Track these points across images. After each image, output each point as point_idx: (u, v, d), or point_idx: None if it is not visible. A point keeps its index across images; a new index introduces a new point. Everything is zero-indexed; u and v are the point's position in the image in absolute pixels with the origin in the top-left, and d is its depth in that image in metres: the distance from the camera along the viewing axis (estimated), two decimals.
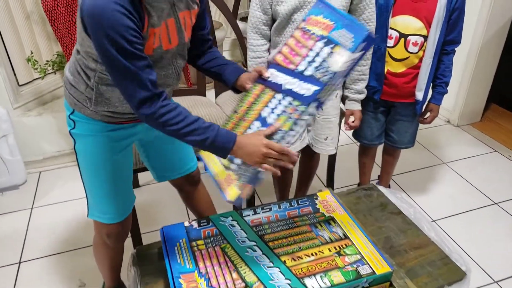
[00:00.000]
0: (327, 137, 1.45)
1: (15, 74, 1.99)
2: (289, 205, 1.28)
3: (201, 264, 1.05)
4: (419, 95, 1.44)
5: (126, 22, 0.79)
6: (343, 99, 1.48)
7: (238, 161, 1.02)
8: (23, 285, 1.45)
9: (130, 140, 1.10)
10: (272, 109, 1.05)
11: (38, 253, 1.59)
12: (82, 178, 1.09)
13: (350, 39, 0.93)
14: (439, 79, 1.47)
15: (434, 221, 1.73)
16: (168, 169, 1.25)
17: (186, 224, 1.19)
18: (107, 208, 1.11)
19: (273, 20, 1.30)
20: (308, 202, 1.29)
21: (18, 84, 2.00)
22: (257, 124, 1.05)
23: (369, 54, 1.39)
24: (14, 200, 1.88)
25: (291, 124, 0.99)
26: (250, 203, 1.69)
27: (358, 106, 1.45)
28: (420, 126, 1.64)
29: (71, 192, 1.91)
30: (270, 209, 1.26)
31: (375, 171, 1.84)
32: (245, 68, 1.18)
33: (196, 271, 1.03)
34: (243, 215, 1.23)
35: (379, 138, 1.61)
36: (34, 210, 1.82)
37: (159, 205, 1.80)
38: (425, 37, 1.36)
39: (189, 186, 1.31)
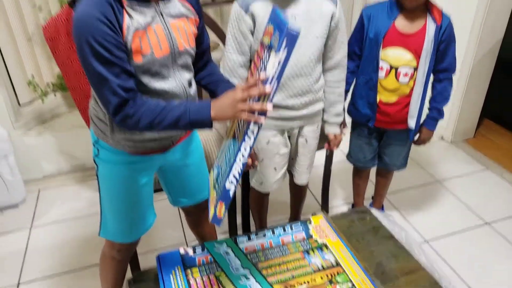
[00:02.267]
0: (307, 167, 1.49)
1: (16, 94, 2.03)
2: (283, 231, 1.31)
3: None
4: (411, 123, 1.48)
5: (104, 29, 0.83)
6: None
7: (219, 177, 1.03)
8: None
9: (151, 171, 1.13)
10: None
11: (37, 274, 1.61)
12: (100, 201, 1.13)
13: (277, 39, 0.85)
14: (431, 104, 1.51)
15: (426, 241, 1.76)
16: (184, 196, 1.28)
17: (182, 251, 1.22)
18: (123, 229, 1.15)
19: (250, 61, 1.30)
20: (301, 228, 1.33)
21: (18, 104, 2.04)
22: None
23: (343, 75, 1.38)
24: (13, 219, 1.91)
25: None
26: (247, 228, 1.72)
27: (337, 130, 1.46)
28: None
29: (70, 211, 1.94)
30: (264, 235, 1.29)
31: (369, 190, 1.87)
32: None
33: None
34: (238, 242, 1.26)
35: (372, 161, 1.65)
36: (33, 230, 1.84)
37: (156, 223, 1.83)
38: (415, 68, 1.40)
39: (198, 212, 1.35)
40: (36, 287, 1.57)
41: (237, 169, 0.92)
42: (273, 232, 1.30)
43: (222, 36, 1.71)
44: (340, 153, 2.26)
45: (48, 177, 2.11)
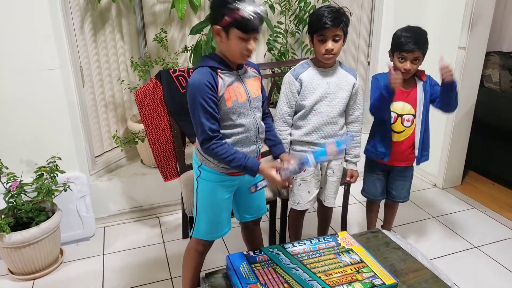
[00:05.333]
0: (334, 193, 1.95)
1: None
2: (318, 241, 1.74)
3: (260, 278, 1.48)
4: (416, 152, 1.96)
5: (209, 91, 1.34)
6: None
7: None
8: None
9: (232, 189, 1.61)
10: None
11: (116, 287, 1.99)
12: (196, 210, 1.58)
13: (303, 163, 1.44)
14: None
15: (426, 259, 2.17)
16: (248, 213, 1.73)
17: (245, 253, 1.64)
18: (210, 230, 1.60)
19: (296, 111, 1.82)
20: (331, 239, 1.76)
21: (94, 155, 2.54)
22: None
23: (359, 127, 1.88)
24: (87, 248, 2.30)
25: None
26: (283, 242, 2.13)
27: (355, 167, 1.96)
28: (413, 188, 2.14)
29: (134, 243, 2.33)
30: (304, 243, 1.71)
31: (378, 222, 2.31)
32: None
33: (258, 283, 1.46)
34: (285, 247, 1.70)
35: (382, 194, 2.11)
36: (105, 256, 2.24)
37: None
38: (414, 115, 1.92)
39: (253, 225, 1.79)
40: None
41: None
42: (311, 242, 1.73)
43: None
44: (352, 197, 2.72)
45: (112, 216, 2.54)
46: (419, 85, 1.92)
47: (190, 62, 2.49)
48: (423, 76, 1.93)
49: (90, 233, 2.40)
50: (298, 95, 1.77)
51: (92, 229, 2.40)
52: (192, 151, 2.79)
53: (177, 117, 2.03)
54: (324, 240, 1.75)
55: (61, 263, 2.17)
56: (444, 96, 1.85)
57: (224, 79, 1.41)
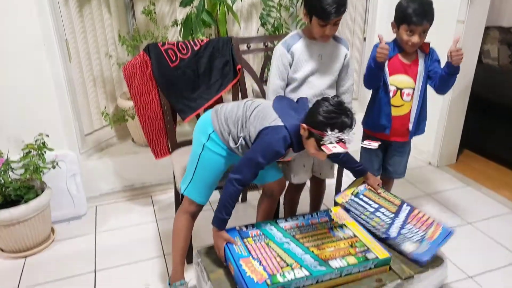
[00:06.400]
0: (332, 166, 1.93)
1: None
2: (310, 216, 1.72)
3: (252, 253, 1.47)
4: (411, 126, 1.91)
5: (274, 158, 1.46)
6: None
7: None
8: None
9: (232, 163, 1.62)
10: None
11: (109, 264, 1.97)
12: (195, 170, 1.58)
13: None
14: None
15: None
16: (260, 179, 1.74)
17: (237, 228, 1.62)
18: (203, 193, 1.61)
19: (287, 84, 1.79)
20: (324, 214, 1.74)
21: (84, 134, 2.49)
22: None
23: (350, 98, 1.87)
24: (79, 227, 2.28)
25: None
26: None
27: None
28: (408, 167, 2.10)
29: (126, 222, 2.31)
30: (297, 219, 1.70)
31: None
32: None
33: (250, 257, 1.45)
34: (278, 222, 1.67)
35: (378, 170, 2.07)
36: (98, 234, 2.22)
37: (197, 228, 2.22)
38: (413, 89, 1.86)
39: (267, 196, 1.82)
40: (110, 273, 1.92)
41: None
42: (304, 217, 1.71)
43: (256, 79, 2.22)
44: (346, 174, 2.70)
45: (104, 195, 2.51)
46: (421, 58, 1.86)
47: (180, 36, 2.42)
48: (426, 49, 1.86)
49: (82, 212, 2.37)
50: (290, 67, 1.73)
51: (83, 208, 2.37)
52: (184, 129, 2.77)
53: (167, 92, 1.98)
54: (317, 215, 1.74)
55: (52, 241, 2.15)
56: (444, 78, 1.81)
57: (289, 154, 1.56)
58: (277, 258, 1.45)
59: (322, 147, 1.36)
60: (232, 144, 1.54)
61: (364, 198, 1.81)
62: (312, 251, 1.49)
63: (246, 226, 1.63)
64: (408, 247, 1.56)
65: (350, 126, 1.37)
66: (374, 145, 1.66)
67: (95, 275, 1.91)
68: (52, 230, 2.20)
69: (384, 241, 1.63)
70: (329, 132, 1.34)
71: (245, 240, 1.55)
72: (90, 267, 1.96)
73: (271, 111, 1.50)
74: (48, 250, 2.10)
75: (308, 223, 1.68)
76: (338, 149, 1.50)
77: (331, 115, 1.35)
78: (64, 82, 2.19)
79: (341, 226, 1.66)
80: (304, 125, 1.41)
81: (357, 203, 1.81)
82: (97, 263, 1.99)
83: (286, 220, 1.68)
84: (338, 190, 2.30)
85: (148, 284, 1.84)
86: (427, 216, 1.67)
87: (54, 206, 2.21)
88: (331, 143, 1.35)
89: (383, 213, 1.73)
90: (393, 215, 1.70)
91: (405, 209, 1.71)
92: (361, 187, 1.89)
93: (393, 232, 1.64)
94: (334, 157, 1.69)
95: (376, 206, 1.75)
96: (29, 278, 1.89)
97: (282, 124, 1.45)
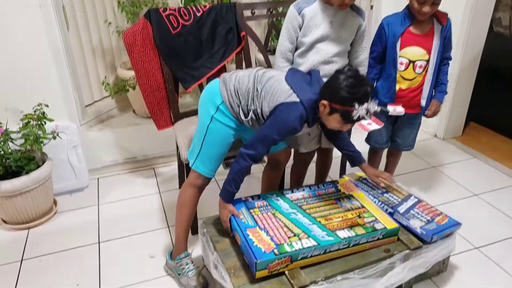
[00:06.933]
0: None
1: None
2: (317, 187, 1.70)
3: (259, 223, 1.46)
4: (423, 102, 1.87)
5: (288, 135, 1.42)
6: None
7: None
8: (106, 260, 1.82)
9: (240, 134, 1.60)
10: None
11: (112, 236, 1.96)
12: (202, 143, 1.52)
13: None
14: (440, 82, 1.89)
15: None
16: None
17: (243, 199, 1.60)
18: (211, 166, 1.55)
19: (296, 48, 1.72)
20: (331, 185, 1.72)
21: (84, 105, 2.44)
22: None
23: (363, 73, 1.81)
24: (82, 199, 2.26)
25: None
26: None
27: None
28: None
29: (128, 194, 2.29)
30: (304, 190, 1.68)
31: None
32: None
33: (257, 227, 1.43)
34: (284, 193, 1.65)
35: (387, 142, 2.03)
36: (101, 206, 2.20)
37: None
38: (427, 61, 1.80)
39: (272, 166, 1.81)
40: (114, 244, 1.91)
41: None
42: (310, 188, 1.69)
43: (261, 47, 2.14)
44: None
45: (106, 167, 2.48)
46: (437, 30, 1.78)
47: (181, 3, 2.32)
48: (443, 20, 1.78)
49: (84, 184, 2.35)
50: (300, 30, 1.66)
51: (85, 180, 2.35)
52: (186, 101, 2.71)
53: (168, 60, 1.91)
54: (324, 186, 1.72)
55: (55, 213, 2.13)
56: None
57: (303, 130, 1.47)
58: (284, 228, 1.43)
59: (358, 126, 1.32)
60: (242, 117, 1.48)
61: (372, 182, 1.78)
62: (320, 221, 1.48)
63: (252, 197, 1.61)
64: (416, 222, 1.54)
65: (373, 94, 1.32)
66: (399, 110, 1.61)
67: (99, 246, 1.90)
68: (55, 202, 2.18)
69: (391, 216, 1.61)
70: (357, 106, 1.27)
71: (251, 210, 1.53)
72: (93, 238, 1.95)
73: (285, 85, 1.42)
74: (51, 221, 2.08)
75: (315, 194, 1.66)
76: (373, 126, 1.45)
77: (354, 89, 1.28)
78: (62, 50, 2.12)
79: (349, 197, 1.64)
80: (324, 102, 1.34)
81: (364, 184, 1.78)
82: (100, 234, 1.98)
83: (293, 191, 1.66)
84: (343, 164, 2.27)
85: (153, 255, 1.83)
86: (435, 208, 1.65)
87: (56, 178, 2.18)
88: (363, 118, 1.30)
89: (391, 196, 1.71)
90: (400, 200, 1.68)
91: (413, 199, 1.70)
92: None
93: (401, 209, 1.62)
94: (331, 135, 1.63)
95: (384, 190, 1.73)
96: (33, 250, 1.88)
97: (298, 100, 1.38)
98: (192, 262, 1.65)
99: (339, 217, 1.51)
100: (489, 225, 2.02)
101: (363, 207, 1.57)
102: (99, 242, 1.93)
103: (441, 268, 1.67)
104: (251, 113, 1.46)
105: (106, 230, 2.01)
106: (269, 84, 1.44)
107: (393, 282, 1.41)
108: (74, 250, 1.88)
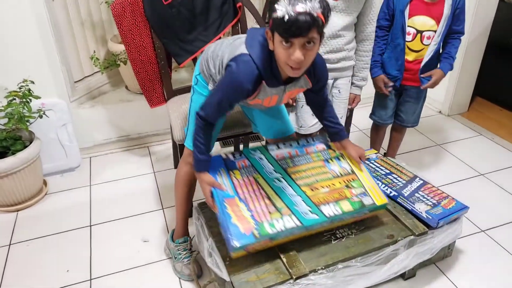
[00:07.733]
0: (342, 116, 1.78)
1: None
2: (306, 142, 1.52)
3: (239, 191, 1.32)
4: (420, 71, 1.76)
5: (241, 97, 1.22)
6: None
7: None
8: (98, 244, 1.75)
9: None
10: None
11: (105, 218, 1.89)
12: (189, 117, 1.43)
13: None
14: (448, 54, 1.77)
15: None
16: (266, 132, 1.59)
17: (224, 156, 1.43)
18: None
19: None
20: (321, 140, 1.54)
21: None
22: None
23: (370, 46, 1.71)
24: (73, 179, 2.18)
25: None
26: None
27: (359, 92, 1.80)
28: None
29: (121, 173, 2.21)
30: (291, 145, 1.50)
31: (381, 153, 2.16)
32: None
33: (236, 197, 1.30)
34: (269, 149, 1.48)
35: (390, 118, 1.94)
36: (92, 187, 2.12)
37: None
38: (435, 31, 1.68)
39: None
40: (106, 227, 1.84)
41: None
42: (298, 143, 1.52)
43: (259, 19, 2.00)
44: (353, 126, 2.56)
45: (98, 145, 2.39)
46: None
47: None
48: None
49: (75, 164, 2.26)
50: None
51: (77, 159, 2.26)
52: (180, 76, 2.59)
53: (160, 33, 1.79)
54: (314, 141, 1.54)
55: (45, 194, 2.06)
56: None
57: (265, 91, 1.24)
58: (265, 200, 1.31)
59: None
60: (211, 87, 1.36)
61: (375, 163, 1.70)
62: (305, 192, 1.35)
63: (233, 154, 1.45)
64: (421, 206, 1.46)
65: None
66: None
67: (90, 229, 1.83)
68: (45, 183, 2.10)
69: (394, 200, 1.54)
70: (279, 6, 1.03)
71: (231, 172, 1.38)
72: (85, 221, 1.88)
73: (241, 44, 1.22)
74: (41, 203, 2.00)
75: (303, 151, 1.50)
76: None
77: None
78: (47, 22, 1.98)
79: (338, 158, 1.49)
80: (267, 30, 1.13)
81: (368, 165, 1.69)
82: (92, 217, 1.91)
83: (278, 147, 1.50)
84: None
85: (146, 239, 1.76)
86: (441, 190, 1.57)
87: (46, 158, 2.10)
88: (291, 16, 1.02)
89: (395, 178, 1.62)
90: (405, 182, 1.60)
91: (418, 181, 1.61)
92: (373, 155, 1.78)
93: (406, 191, 1.54)
94: (315, 104, 1.45)
95: (388, 171, 1.64)
96: (22, 233, 1.82)
97: (246, 51, 1.17)
98: (190, 249, 1.58)
99: (326, 186, 1.38)
100: (496, 206, 1.95)
101: (352, 172, 1.46)
102: (90, 225, 1.86)
103: (446, 253, 1.61)
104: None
105: (98, 212, 1.93)
106: (231, 46, 1.27)
107: (397, 269, 1.35)
108: (65, 234, 1.81)
